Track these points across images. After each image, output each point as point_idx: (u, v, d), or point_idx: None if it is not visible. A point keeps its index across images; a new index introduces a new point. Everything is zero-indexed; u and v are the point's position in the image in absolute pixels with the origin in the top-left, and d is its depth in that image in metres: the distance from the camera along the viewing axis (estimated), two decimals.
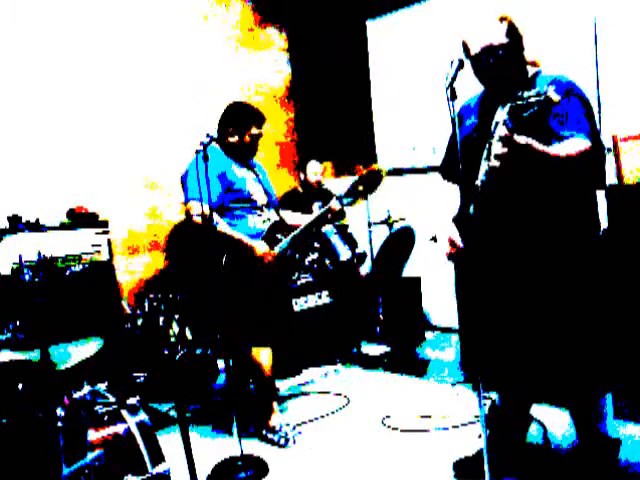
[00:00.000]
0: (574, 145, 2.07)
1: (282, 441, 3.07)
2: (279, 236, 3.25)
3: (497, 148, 2.02)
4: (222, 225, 3.05)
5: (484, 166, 2.10)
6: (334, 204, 3.43)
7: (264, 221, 3.22)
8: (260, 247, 3.08)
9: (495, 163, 2.04)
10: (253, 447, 3.02)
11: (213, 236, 2.89)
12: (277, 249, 3.17)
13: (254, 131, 3.23)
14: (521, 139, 1.98)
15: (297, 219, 3.43)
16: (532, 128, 1.99)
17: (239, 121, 3.22)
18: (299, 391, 3.85)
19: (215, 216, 2.95)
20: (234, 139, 3.22)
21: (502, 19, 2.17)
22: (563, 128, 2.09)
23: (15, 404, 2.03)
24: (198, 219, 2.96)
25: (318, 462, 2.86)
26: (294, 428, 3.16)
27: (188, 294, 4.26)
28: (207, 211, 2.77)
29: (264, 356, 3.14)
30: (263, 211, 3.25)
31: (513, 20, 2.19)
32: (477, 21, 2.22)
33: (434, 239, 2.37)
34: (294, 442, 3.05)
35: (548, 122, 2.10)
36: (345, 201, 3.68)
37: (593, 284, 2.20)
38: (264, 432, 3.14)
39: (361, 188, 3.77)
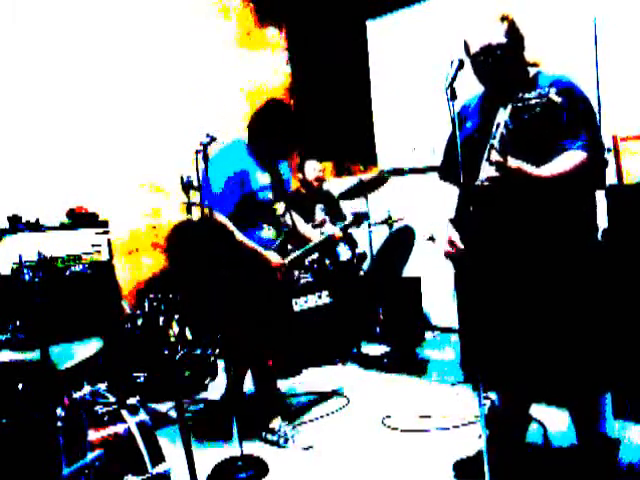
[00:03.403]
0: (567, 161, 2.07)
1: (281, 441, 3.07)
2: (289, 247, 3.25)
3: (490, 171, 2.02)
4: (238, 233, 3.00)
5: (484, 167, 2.11)
6: (337, 232, 3.52)
7: (278, 232, 3.18)
8: (274, 259, 3.07)
9: (489, 184, 2.04)
10: (253, 447, 3.02)
11: (227, 240, 2.90)
12: (287, 260, 3.16)
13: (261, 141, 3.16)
14: (513, 163, 1.98)
15: (306, 231, 3.43)
16: (532, 130, 1.99)
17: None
18: (299, 391, 3.85)
19: (228, 223, 2.96)
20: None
21: (503, 19, 2.16)
22: (560, 137, 2.09)
23: (15, 404, 2.02)
24: (222, 219, 2.96)
25: (318, 462, 2.86)
26: (294, 428, 3.16)
27: (188, 294, 4.25)
28: (222, 221, 2.84)
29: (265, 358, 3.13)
30: (281, 222, 3.20)
31: (515, 20, 2.18)
32: (477, 21, 2.22)
33: (431, 239, 2.37)
34: (293, 442, 3.05)
35: (552, 124, 2.10)
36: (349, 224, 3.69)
37: (592, 283, 2.20)
38: (264, 433, 3.14)
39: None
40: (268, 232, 3.14)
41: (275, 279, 3.10)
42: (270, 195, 3.13)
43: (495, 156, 1.97)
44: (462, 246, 2.22)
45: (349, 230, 4.23)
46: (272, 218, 3.16)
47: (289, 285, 3.51)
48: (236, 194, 3.01)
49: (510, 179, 2.01)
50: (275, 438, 3.09)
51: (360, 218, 3.82)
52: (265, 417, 3.18)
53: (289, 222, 3.27)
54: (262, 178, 3.11)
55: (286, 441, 3.06)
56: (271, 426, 3.14)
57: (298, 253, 3.27)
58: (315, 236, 3.42)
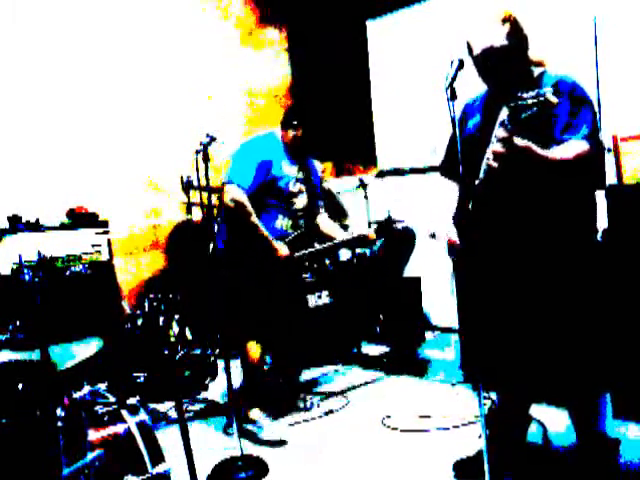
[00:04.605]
0: (572, 148, 2.07)
1: (257, 430, 3.12)
2: (304, 242, 3.28)
3: (496, 148, 2.03)
4: (254, 217, 3.07)
5: (485, 165, 2.11)
6: (370, 232, 3.41)
7: (294, 225, 3.23)
8: (282, 250, 3.12)
9: (493, 163, 2.05)
10: (253, 447, 3.02)
11: (241, 221, 3.02)
12: (296, 254, 3.19)
13: (290, 133, 3.24)
14: (520, 141, 1.99)
15: (330, 228, 3.45)
16: (531, 129, 1.99)
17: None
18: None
19: (247, 203, 3.02)
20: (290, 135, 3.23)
21: (505, 20, 2.15)
22: (563, 131, 2.10)
23: (15, 404, 2.02)
24: (231, 204, 3.02)
25: (318, 462, 2.86)
26: (273, 420, 3.21)
27: (188, 294, 4.25)
28: (240, 198, 2.98)
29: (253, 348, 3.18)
30: (297, 216, 3.25)
31: (517, 20, 2.17)
32: (479, 22, 2.21)
33: (432, 236, 2.37)
34: (271, 432, 3.09)
35: (550, 124, 2.10)
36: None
37: (592, 283, 2.20)
38: (243, 424, 3.17)
39: None
40: (282, 222, 3.19)
41: (280, 274, 3.12)
42: (292, 186, 3.20)
43: (502, 133, 1.98)
44: (458, 241, 2.25)
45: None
46: (289, 209, 3.21)
47: (297, 279, 3.49)
48: (258, 180, 3.08)
49: (515, 156, 2.01)
50: (252, 428, 3.13)
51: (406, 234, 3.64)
52: (246, 407, 3.23)
53: (305, 222, 3.29)
54: (287, 168, 3.20)
55: (261, 428, 3.11)
56: (251, 416, 3.19)
57: (315, 249, 3.27)
58: (339, 234, 3.44)
